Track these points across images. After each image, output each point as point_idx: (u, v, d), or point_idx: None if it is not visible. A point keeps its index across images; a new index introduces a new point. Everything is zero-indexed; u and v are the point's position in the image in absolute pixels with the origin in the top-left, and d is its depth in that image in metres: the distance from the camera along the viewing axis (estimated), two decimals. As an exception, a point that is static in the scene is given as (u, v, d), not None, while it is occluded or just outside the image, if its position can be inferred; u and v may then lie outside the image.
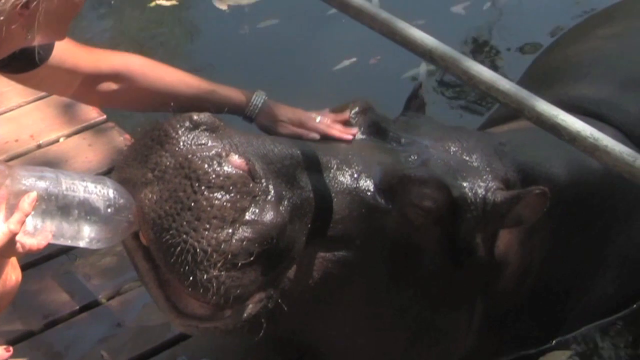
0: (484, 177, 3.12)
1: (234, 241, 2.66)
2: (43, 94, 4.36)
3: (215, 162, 2.68)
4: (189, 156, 2.69)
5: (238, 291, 2.71)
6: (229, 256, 2.65)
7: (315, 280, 2.96)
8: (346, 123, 3.18)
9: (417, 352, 3.22)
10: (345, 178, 2.98)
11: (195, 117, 2.75)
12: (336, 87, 5.03)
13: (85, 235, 2.63)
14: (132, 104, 3.32)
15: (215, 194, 2.66)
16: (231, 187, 2.67)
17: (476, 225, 3.07)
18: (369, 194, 2.98)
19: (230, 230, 2.66)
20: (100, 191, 2.64)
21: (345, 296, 3.04)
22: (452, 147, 3.17)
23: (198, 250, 2.64)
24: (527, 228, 3.21)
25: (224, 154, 2.71)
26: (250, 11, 5.80)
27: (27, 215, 2.49)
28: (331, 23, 5.37)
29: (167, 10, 5.89)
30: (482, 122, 4.41)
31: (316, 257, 2.94)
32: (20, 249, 2.52)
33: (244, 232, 2.67)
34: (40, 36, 2.61)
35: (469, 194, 3.06)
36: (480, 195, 3.07)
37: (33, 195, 2.50)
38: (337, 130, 3.13)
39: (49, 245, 2.59)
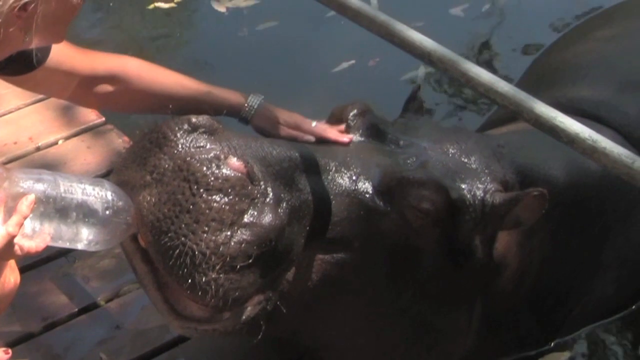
0: (483, 179, 3.12)
1: (232, 244, 2.66)
2: (42, 96, 4.36)
3: (213, 164, 2.68)
4: (188, 159, 2.69)
5: (237, 293, 2.71)
6: (228, 259, 2.65)
7: (314, 282, 2.96)
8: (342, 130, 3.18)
9: (416, 353, 3.22)
10: (343, 180, 2.98)
11: (193, 120, 2.75)
12: (335, 89, 5.03)
13: (84, 237, 2.63)
14: (128, 106, 3.33)
15: (214, 197, 2.66)
16: (229, 190, 2.67)
17: (475, 227, 3.07)
18: (367, 196, 2.98)
19: (228, 233, 2.66)
20: (98, 193, 2.64)
21: (344, 298, 3.04)
22: (450, 149, 3.17)
23: (197, 252, 2.64)
24: (525, 230, 3.21)
25: (222, 156, 2.71)
26: (249, 13, 5.80)
27: (25, 218, 2.49)
28: (330, 25, 5.37)
29: (165, 12, 5.89)
30: (480, 124, 4.41)
31: (315, 259, 2.94)
32: (19, 252, 2.52)
33: (242, 235, 2.67)
34: (38, 39, 2.61)
35: (468, 195, 3.06)
36: (479, 197, 3.07)
37: (31, 197, 2.50)
38: (334, 134, 3.13)
39: (48, 247, 2.59)
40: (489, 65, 5.27)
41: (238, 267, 2.67)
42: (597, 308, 3.68)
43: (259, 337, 2.88)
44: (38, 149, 4.30)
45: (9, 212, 2.48)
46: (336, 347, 3.17)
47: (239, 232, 2.67)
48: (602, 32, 4.45)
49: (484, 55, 5.46)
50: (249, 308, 2.83)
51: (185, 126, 2.74)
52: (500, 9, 5.83)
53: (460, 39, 5.40)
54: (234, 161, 2.71)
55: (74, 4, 2.62)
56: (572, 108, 3.58)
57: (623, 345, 3.75)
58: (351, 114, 3.18)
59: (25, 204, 2.49)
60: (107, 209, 2.64)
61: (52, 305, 3.62)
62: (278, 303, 2.88)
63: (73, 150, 4.29)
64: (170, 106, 2.97)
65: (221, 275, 2.66)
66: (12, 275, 2.96)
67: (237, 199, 2.68)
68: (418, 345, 3.21)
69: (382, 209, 2.98)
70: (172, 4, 5.89)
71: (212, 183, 2.66)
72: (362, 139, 3.15)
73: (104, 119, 4.41)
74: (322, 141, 3.14)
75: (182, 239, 2.64)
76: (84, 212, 2.61)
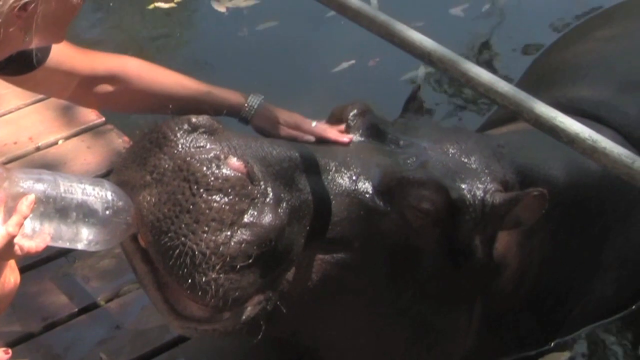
0: (483, 179, 3.12)
1: (232, 244, 2.66)
2: (42, 96, 4.36)
3: (213, 164, 2.68)
4: (188, 159, 2.69)
5: (237, 293, 2.71)
6: (228, 259, 2.65)
7: (314, 282, 2.96)
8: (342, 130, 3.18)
9: (416, 353, 3.22)
10: (343, 180, 2.98)
11: (193, 120, 2.75)
12: (335, 89, 5.03)
13: (84, 237, 2.63)
14: (128, 106, 3.33)
15: (214, 197, 2.66)
16: (229, 190, 2.67)
17: (475, 227, 3.07)
18: (367, 196, 2.98)
19: (228, 233, 2.66)
20: (98, 193, 2.64)
21: (344, 298, 3.04)
22: (450, 149, 3.17)
23: (196, 252, 2.64)
24: (525, 230, 3.21)
25: (222, 156, 2.71)
26: (249, 13, 5.80)
27: (25, 218, 2.49)
28: (330, 25, 5.37)
29: (165, 12, 5.89)
30: (480, 124, 4.41)
31: (315, 259, 2.94)
32: (19, 252, 2.52)
33: (242, 235, 2.67)
34: (39, 39, 2.62)
35: (468, 195, 3.06)
36: (479, 197, 3.07)
37: (31, 197, 2.50)
38: (334, 133, 3.13)
39: (48, 247, 2.59)
40: (489, 65, 5.27)
41: (238, 267, 2.67)
42: (597, 308, 3.68)
43: (259, 337, 2.88)
44: (38, 149, 4.30)
45: (9, 212, 2.48)
46: (336, 347, 3.17)
47: (239, 232, 2.67)
48: (602, 32, 4.45)
49: (484, 55, 5.46)
50: (249, 308, 2.83)
51: (185, 126, 2.74)
52: (500, 9, 5.83)
53: (460, 39, 5.40)
54: (234, 161, 2.71)
55: (74, 4, 2.62)
56: (572, 108, 3.58)
57: (623, 346, 3.75)
58: (351, 114, 3.18)
59: (25, 204, 2.49)
60: (107, 209, 2.64)
61: (52, 305, 3.62)
62: (278, 303, 2.88)
63: (73, 150, 4.29)
64: (171, 106, 2.96)
65: (221, 275, 2.66)
66: (12, 275, 2.96)
67: (237, 199, 2.68)
68: (418, 345, 3.21)
69: (382, 209, 2.98)
70: (172, 4, 5.89)
71: (212, 183, 2.66)
72: (362, 139, 3.15)
73: (104, 119, 4.41)
74: (322, 141, 3.14)
75: (182, 239, 2.64)
76: (84, 212, 2.61)
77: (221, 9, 5.83)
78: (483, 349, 3.37)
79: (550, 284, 3.48)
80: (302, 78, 5.20)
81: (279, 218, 2.75)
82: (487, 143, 3.31)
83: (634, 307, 3.79)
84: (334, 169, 2.98)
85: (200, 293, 2.67)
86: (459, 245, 3.08)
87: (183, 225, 2.64)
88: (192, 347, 3.48)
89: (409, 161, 3.08)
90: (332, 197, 2.93)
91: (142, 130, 2.80)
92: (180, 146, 2.71)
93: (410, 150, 3.12)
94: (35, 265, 3.71)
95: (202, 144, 2.72)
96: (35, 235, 2.55)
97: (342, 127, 3.17)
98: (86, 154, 4.26)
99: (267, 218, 2.71)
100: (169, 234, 2.64)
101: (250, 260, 2.68)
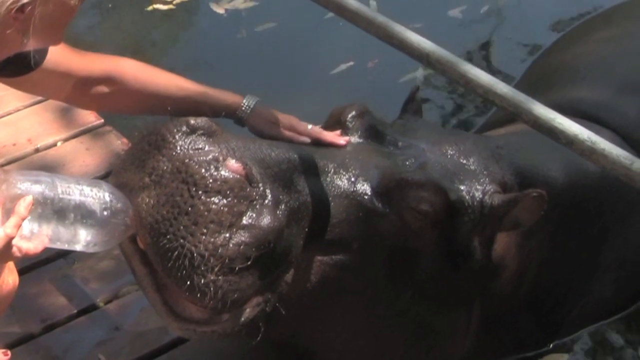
0: (481, 180, 3.12)
1: (231, 245, 2.66)
2: (41, 98, 4.36)
3: (212, 166, 2.68)
4: (186, 161, 2.69)
5: (235, 295, 2.71)
6: (226, 260, 2.65)
7: (313, 284, 2.96)
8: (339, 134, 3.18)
9: (415, 354, 3.23)
10: (342, 182, 2.98)
11: (192, 122, 2.75)
12: (333, 90, 5.02)
13: (82, 238, 2.63)
14: (124, 107, 3.33)
15: (212, 199, 2.66)
16: (228, 192, 2.67)
17: (474, 228, 3.08)
18: (366, 197, 2.98)
19: (227, 235, 2.66)
20: (96, 194, 2.64)
21: (343, 299, 3.04)
22: (449, 151, 3.17)
23: (195, 254, 2.64)
24: (524, 231, 3.21)
25: (221, 158, 2.71)
26: (248, 15, 5.80)
27: (23, 219, 2.49)
28: (328, 27, 5.37)
29: (164, 14, 5.88)
30: (479, 126, 4.41)
31: (314, 261, 2.94)
32: (17, 253, 2.51)
33: (241, 237, 2.67)
34: (36, 41, 2.62)
35: (466, 197, 3.06)
36: (478, 199, 3.07)
37: (29, 199, 2.50)
38: (330, 136, 3.12)
39: (47, 249, 2.59)
40: (487, 67, 5.27)
41: (237, 269, 2.67)
42: (596, 309, 3.68)
43: (258, 338, 2.88)
44: (37, 150, 4.30)
45: (7, 213, 2.48)
46: (335, 348, 3.17)
47: (237, 234, 2.67)
48: (601, 34, 4.45)
49: (482, 57, 5.46)
50: (247, 310, 2.83)
51: (184, 128, 2.74)
52: (499, 10, 5.83)
53: (459, 41, 5.40)
54: (232, 163, 2.71)
55: (71, 6, 2.62)
56: (571, 109, 3.58)
57: (622, 346, 3.75)
58: (350, 115, 3.18)
59: (23, 206, 2.48)
60: (105, 209, 2.64)
61: (52, 307, 3.62)
62: (277, 305, 2.88)
63: (72, 151, 4.29)
64: (169, 108, 2.96)
65: (220, 277, 2.66)
66: (10, 277, 2.96)
67: (235, 201, 2.68)
68: (417, 346, 3.21)
69: (381, 210, 2.98)
70: (171, 6, 5.89)
71: (210, 185, 2.66)
72: (361, 140, 3.15)
73: (102, 120, 4.41)
74: (319, 144, 3.13)
75: (181, 240, 2.64)
76: (82, 213, 2.60)
77: (220, 10, 5.83)
78: (482, 350, 3.37)
79: (549, 285, 3.48)
80: (301, 79, 5.20)
81: (278, 220, 2.75)
82: (486, 144, 3.31)
83: (632, 308, 3.78)
84: (332, 170, 2.98)
85: (199, 295, 2.67)
86: (457, 246, 3.08)
87: (182, 227, 2.64)
88: (191, 348, 3.47)
89: (407, 163, 3.09)
90: (330, 198, 2.93)
91: (140, 132, 2.81)
92: (178, 148, 2.71)
93: (409, 152, 3.13)
94: (34, 266, 3.71)
95: (200, 146, 2.72)
96: (33, 237, 2.55)
97: (339, 131, 3.16)
98: (85, 155, 4.26)
99: (266, 220, 2.71)
100: (168, 236, 2.64)
101: (249, 262, 2.68)
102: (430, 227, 3.02)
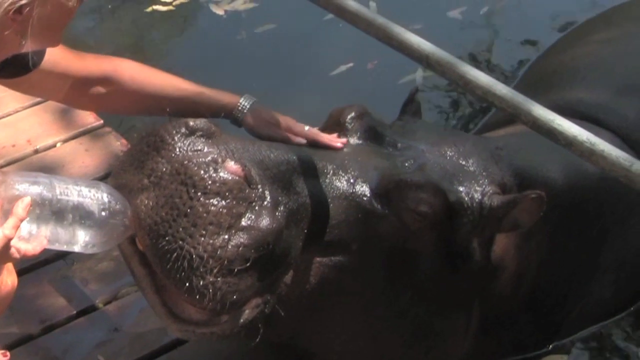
0: (481, 181, 3.12)
1: (230, 247, 2.66)
2: (40, 99, 4.36)
3: (211, 168, 2.68)
4: (185, 162, 2.69)
5: (234, 297, 2.71)
6: (225, 262, 2.65)
7: (312, 285, 2.96)
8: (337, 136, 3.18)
9: (414, 355, 3.23)
10: (341, 183, 2.98)
11: (191, 123, 2.74)
12: (333, 91, 5.03)
13: (80, 239, 2.63)
14: (121, 107, 3.33)
15: (211, 200, 2.66)
16: (227, 193, 2.67)
17: (473, 229, 3.08)
18: (365, 199, 2.98)
19: (226, 236, 2.66)
20: (94, 195, 2.64)
21: (342, 300, 3.04)
22: (448, 152, 3.17)
23: (194, 256, 2.63)
24: (523, 232, 3.21)
25: (219, 160, 2.71)
26: (247, 16, 5.80)
27: (21, 220, 2.49)
28: (328, 28, 5.37)
29: (163, 15, 5.88)
30: (478, 127, 4.41)
31: (313, 262, 2.94)
32: (16, 255, 2.51)
33: (240, 238, 2.67)
34: (35, 42, 2.62)
35: (466, 198, 3.06)
36: (477, 200, 3.07)
37: (27, 200, 2.50)
38: (326, 137, 3.12)
39: (46, 249, 2.59)
40: (486, 68, 5.26)
41: (236, 270, 2.67)
42: (595, 310, 3.68)
43: (257, 340, 2.88)
44: (36, 151, 4.30)
45: (5, 215, 2.48)
46: (334, 349, 3.18)
47: (236, 235, 2.67)
48: (600, 35, 4.45)
49: (482, 58, 5.46)
50: (246, 311, 2.83)
51: (183, 130, 2.74)
52: (499, 11, 5.83)
53: (458, 42, 5.40)
54: (231, 164, 2.71)
55: (69, 8, 2.62)
56: (570, 110, 3.58)
57: (621, 348, 3.75)
58: (349, 116, 3.18)
59: (21, 207, 2.48)
60: (103, 210, 2.64)
61: (51, 308, 3.62)
62: (276, 306, 2.88)
63: (71, 153, 4.29)
64: (167, 109, 2.96)
65: (219, 279, 2.66)
66: (9, 278, 2.96)
67: (234, 202, 2.68)
68: (416, 347, 3.21)
69: (380, 212, 2.98)
70: (171, 7, 5.89)
71: (209, 186, 2.66)
72: (360, 141, 3.15)
73: (102, 121, 4.41)
74: (316, 146, 3.13)
75: (180, 242, 2.64)
76: (80, 214, 2.60)
77: (219, 12, 5.83)
78: (481, 351, 3.37)
79: (549, 286, 3.48)
80: (301, 81, 5.20)
81: (277, 221, 2.75)
82: (485, 145, 3.31)
83: (632, 309, 3.78)
84: (331, 172, 2.98)
85: (198, 296, 2.67)
86: (456, 248, 3.08)
87: (180, 229, 2.64)
88: (190, 349, 3.47)
89: (406, 164, 3.08)
90: (329, 200, 2.93)
91: (139, 133, 2.80)
92: (177, 150, 2.71)
93: (408, 153, 3.12)
94: (33, 267, 3.71)
95: (199, 148, 2.72)
96: (32, 238, 2.55)
97: (335, 134, 3.16)
98: (84, 156, 4.26)
99: (265, 221, 2.71)
100: (167, 238, 2.64)
101: (248, 264, 2.68)
102: (430, 229, 3.02)
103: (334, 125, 3.19)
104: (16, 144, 4.31)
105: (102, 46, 5.46)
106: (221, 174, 2.68)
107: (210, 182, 2.66)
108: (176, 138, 2.72)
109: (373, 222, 2.97)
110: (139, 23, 5.83)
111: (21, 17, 2.52)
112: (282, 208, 2.79)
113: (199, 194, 2.65)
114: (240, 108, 3.18)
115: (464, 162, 3.16)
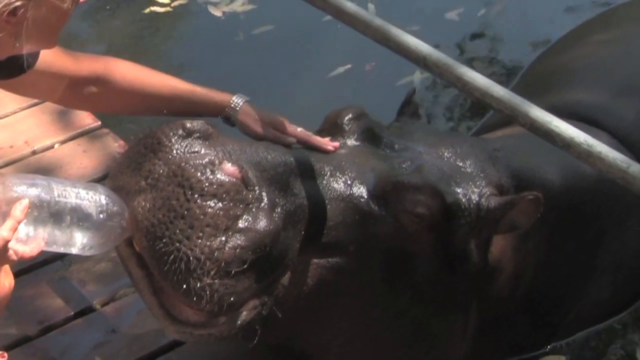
0: (478, 183, 3.12)
1: (227, 249, 2.66)
2: (38, 100, 4.36)
3: (208, 170, 2.68)
4: (182, 164, 2.69)
5: (232, 298, 2.71)
6: (222, 264, 2.65)
7: (309, 287, 2.96)
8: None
9: (413, 357, 3.23)
10: (338, 184, 2.98)
11: (188, 125, 2.74)
12: (331, 93, 5.03)
13: (78, 241, 2.63)
14: (115, 107, 3.33)
15: (208, 202, 2.66)
16: (224, 195, 2.67)
17: (470, 231, 3.08)
18: (362, 200, 2.98)
19: (223, 238, 2.66)
20: (92, 197, 2.64)
21: (340, 302, 3.04)
22: (445, 153, 3.17)
23: (191, 258, 2.64)
24: (521, 234, 3.21)
25: (217, 161, 2.71)
26: (245, 18, 5.80)
27: (19, 222, 2.49)
28: (326, 30, 5.37)
29: (161, 16, 5.88)
30: (476, 128, 4.41)
31: (310, 264, 2.94)
32: (13, 256, 2.51)
33: (237, 240, 2.67)
34: (30, 44, 2.61)
35: (463, 200, 3.06)
36: (474, 201, 3.07)
37: (25, 202, 2.50)
38: (318, 140, 3.11)
39: (43, 251, 2.59)
40: (484, 70, 5.26)
41: (233, 272, 2.67)
42: (593, 312, 3.68)
43: (255, 341, 2.88)
44: (34, 152, 4.30)
45: (3, 216, 2.48)
46: (332, 351, 3.17)
47: (233, 237, 2.67)
48: (599, 36, 4.45)
49: (479, 60, 5.46)
50: (244, 313, 2.83)
51: (180, 131, 2.74)
52: (496, 12, 5.83)
53: (456, 44, 5.40)
54: (228, 166, 2.71)
55: (64, 10, 2.61)
56: (568, 112, 3.58)
57: (619, 349, 3.75)
58: (346, 118, 3.18)
59: (19, 209, 2.49)
60: (101, 212, 2.64)
61: (48, 309, 3.62)
62: (274, 308, 2.88)
63: (69, 154, 4.29)
64: (159, 107, 2.96)
65: (216, 281, 2.66)
66: (6, 280, 2.96)
67: (231, 204, 2.68)
68: (414, 349, 3.21)
69: (377, 213, 2.98)
70: (168, 8, 5.89)
71: (206, 188, 2.66)
72: (357, 143, 3.15)
73: (99, 122, 4.41)
74: (309, 148, 3.12)
75: (177, 244, 2.64)
76: (78, 216, 2.61)
77: (217, 13, 5.83)
78: (479, 352, 3.37)
79: (546, 288, 3.48)
80: (299, 82, 5.20)
81: (274, 223, 2.75)
82: (483, 147, 3.31)
83: (630, 310, 3.79)
84: (328, 173, 2.98)
85: (195, 298, 2.67)
86: (454, 249, 3.08)
87: (178, 231, 2.64)
88: (188, 351, 3.47)
89: (404, 165, 3.08)
90: (327, 201, 2.93)
91: (136, 135, 2.81)
92: (174, 151, 2.71)
93: (406, 155, 3.12)
94: (31, 268, 3.71)
95: (196, 149, 2.72)
96: (29, 240, 2.55)
97: (328, 138, 3.14)
98: (82, 157, 4.26)
99: (262, 223, 2.71)
100: (164, 240, 2.64)
101: (245, 266, 2.68)
102: (427, 230, 3.02)
103: (331, 126, 3.19)
104: (14, 145, 4.31)
105: (100, 47, 5.46)
106: (218, 176, 2.68)
107: (207, 184, 2.66)
108: (173, 140, 2.72)
109: (370, 223, 2.97)
110: (137, 24, 5.83)
111: (15, 19, 2.52)
112: (279, 210, 2.79)
113: (196, 195, 2.65)
114: (232, 105, 3.18)
115: (461, 164, 3.16)
